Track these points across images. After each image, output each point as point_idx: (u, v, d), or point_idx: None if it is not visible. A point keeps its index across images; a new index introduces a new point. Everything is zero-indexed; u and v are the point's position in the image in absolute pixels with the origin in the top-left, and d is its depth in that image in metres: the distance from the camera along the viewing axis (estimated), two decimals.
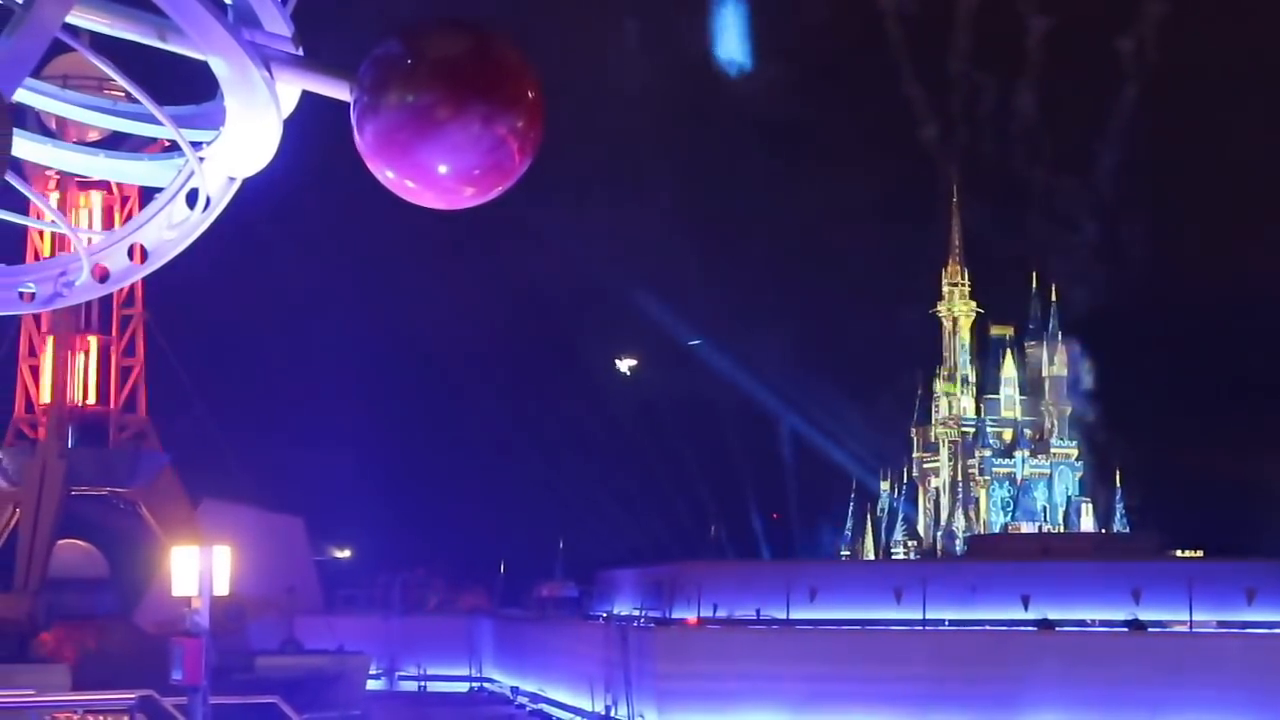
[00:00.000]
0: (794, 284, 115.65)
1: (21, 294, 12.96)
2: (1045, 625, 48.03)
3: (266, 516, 70.90)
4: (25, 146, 12.22)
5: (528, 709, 62.54)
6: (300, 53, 11.59)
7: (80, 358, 71.78)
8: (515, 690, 66.15)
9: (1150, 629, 46.69)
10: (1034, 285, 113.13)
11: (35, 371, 70.77)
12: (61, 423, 70.78)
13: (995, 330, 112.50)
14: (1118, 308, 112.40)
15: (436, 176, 11.15)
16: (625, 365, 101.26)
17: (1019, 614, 49.02)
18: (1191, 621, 47.33)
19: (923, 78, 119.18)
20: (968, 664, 43.87)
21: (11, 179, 11.40)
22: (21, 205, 12.74)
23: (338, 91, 11.36)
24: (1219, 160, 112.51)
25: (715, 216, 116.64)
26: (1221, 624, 47.27)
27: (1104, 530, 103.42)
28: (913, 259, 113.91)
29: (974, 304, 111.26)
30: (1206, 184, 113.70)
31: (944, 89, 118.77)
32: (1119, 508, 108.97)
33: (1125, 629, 46.80)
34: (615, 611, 61.33)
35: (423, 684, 70.13)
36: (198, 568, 24.83)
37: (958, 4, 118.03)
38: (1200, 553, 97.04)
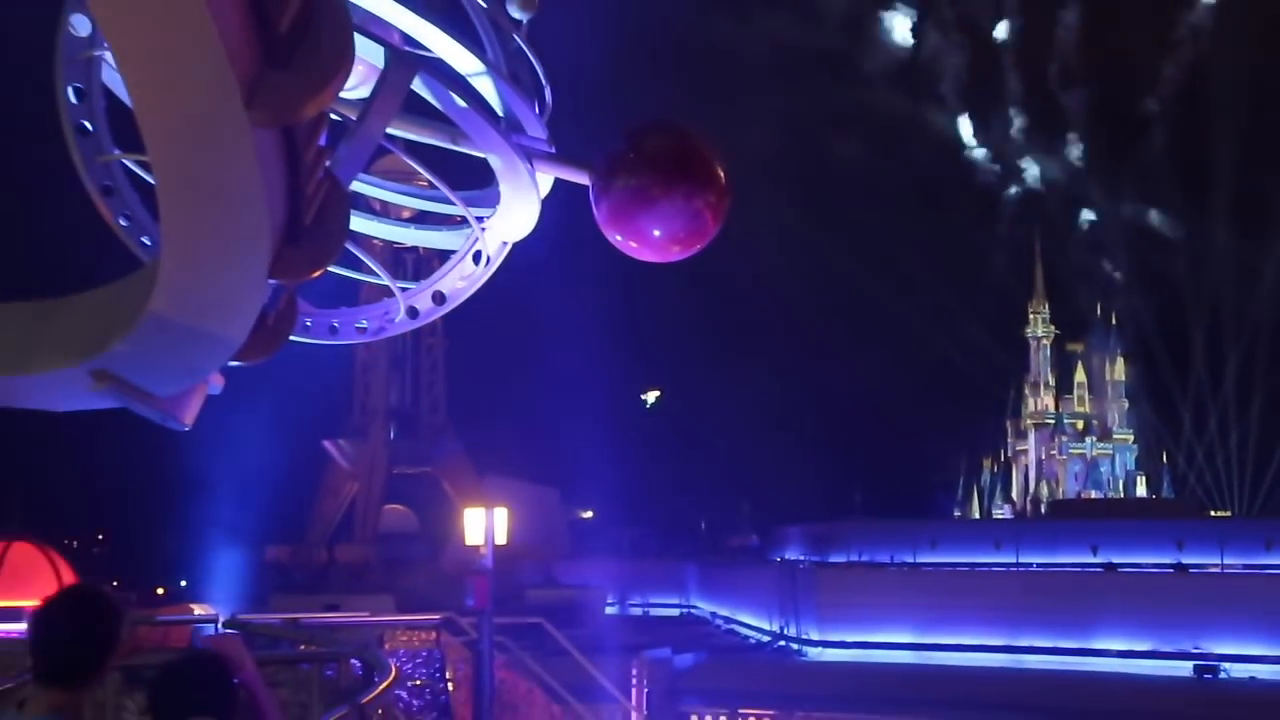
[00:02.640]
0: (920, 316, 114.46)
1: (358, 328, 13.24)
2: (1109, 568, 46.97)
3: (532, 488, 71.50)
4: (358, 223, 12.47)
5: (723, 629, 62.38)
6: (553, 150, 11.70)
7: (398, 373, 73.15)
8: (714, 615, 66.10)
9: (1190, 571, 45.41)
10: (1098, 311, 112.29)
11: (367, 384, 72.17)
12: (386, 420, 72.15)
13: (1069, 347, 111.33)
14: (1164, 328, 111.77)
15: (652, 239, 11.20)
16: (651, 396, 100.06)
17: (1089, 559, 47.93)
18: (1223, 565, 46.01)
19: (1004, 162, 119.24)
20: (1050, 597, 42.98)
21: (350, 246, 11.63)
22: (356, 263, 13.02)
23: (579, 178, 11.45)
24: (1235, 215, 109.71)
25: (843, 266, 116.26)
26: (1246, 567, 45.82)
27: (1154, 496, 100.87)
28: (1006, 294, 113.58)
29: (1053, 327, 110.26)
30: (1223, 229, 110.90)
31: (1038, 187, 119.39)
32: (1166, 479, 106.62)
33: (1171, 571, 45.63)
34: (786, 557, 61.10)
35: (646, 610, 70.25)
36: (484, 524, 25.08)
37: (1006, 78, 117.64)
38: (1229, 512, 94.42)
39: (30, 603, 28.07)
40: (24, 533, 32.30)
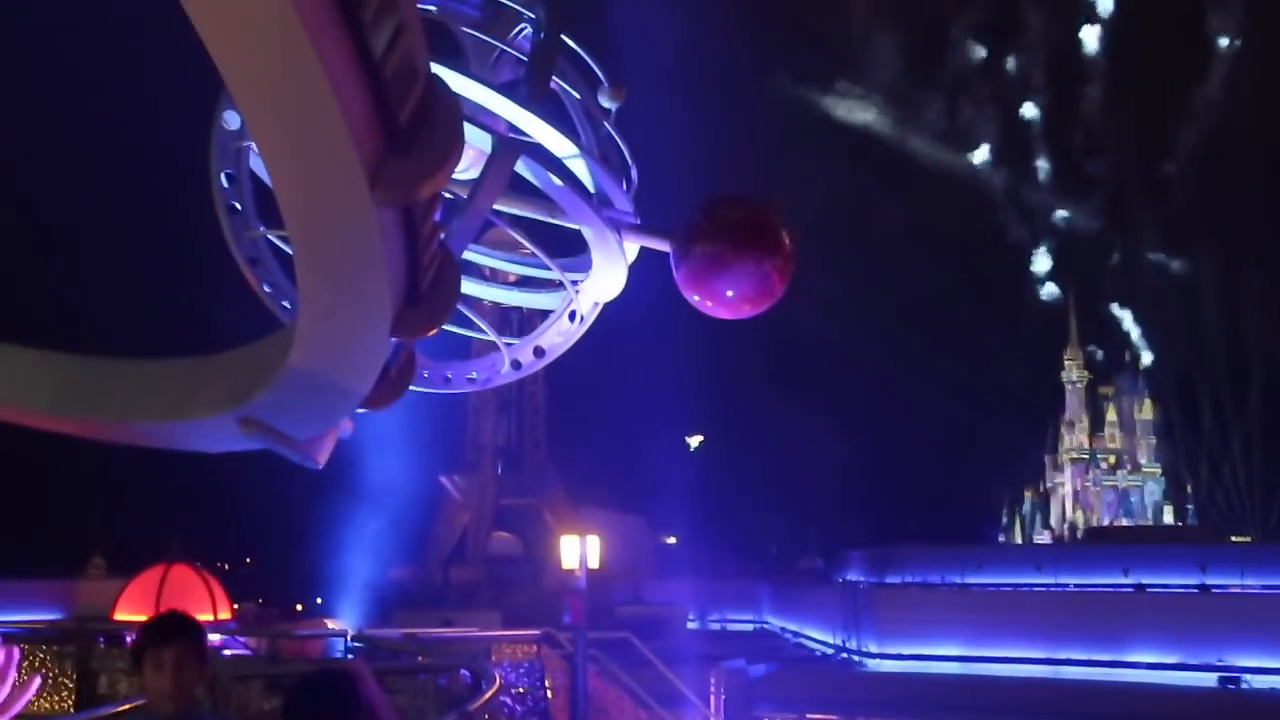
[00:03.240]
0: (966, 363, 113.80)
1: (469, 378, 13.32)
2: (1140, 588, 45.92)
3: (622, 517, 71.13)
4: (470, 286, 12.55)
5: (792, 642, 61.68)
6: (638, 221, 11.73)
7: (505, 417, 73.38)
8: (784, 629, 65.40)
9: (1214, 591, 44.31)
10: (1128, 358, 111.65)
11: (478, 426, 72.47)
12: (494, 458, 72.43)
13: (1101, 390, 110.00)
14: (1187, 372, 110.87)
15: (726, 299, 11.18)
16: (694, 441, 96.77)
17: (1121, 580, 46.88)
18: (1243, 585, 44.83)
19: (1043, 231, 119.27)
20: (1085, 615, 42.05)
21: (462, 307, 11.71)
22: (468, 323, 13.10)
23: (661, 246, 11.46)
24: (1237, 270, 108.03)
25: (894, 321, 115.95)
26: (1264, 587, 44.60)
27: (1181, 523, 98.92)
28: (1043, 343, 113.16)
29: (1087, 372, 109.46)
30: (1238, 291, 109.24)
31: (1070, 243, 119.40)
32: (1191, 508, 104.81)
33: (1196, 591, 44.56)
34: (848, 578, 60.41)
35: (723, 625, 69.47)
36: (578, 550, 25.07)
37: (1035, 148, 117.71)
38: (1249, 538, 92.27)
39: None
40: (182, 558, 32.81)
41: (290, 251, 9.35)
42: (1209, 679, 37.59)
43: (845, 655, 48.75)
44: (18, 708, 2.21)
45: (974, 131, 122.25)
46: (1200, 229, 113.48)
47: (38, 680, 2.51)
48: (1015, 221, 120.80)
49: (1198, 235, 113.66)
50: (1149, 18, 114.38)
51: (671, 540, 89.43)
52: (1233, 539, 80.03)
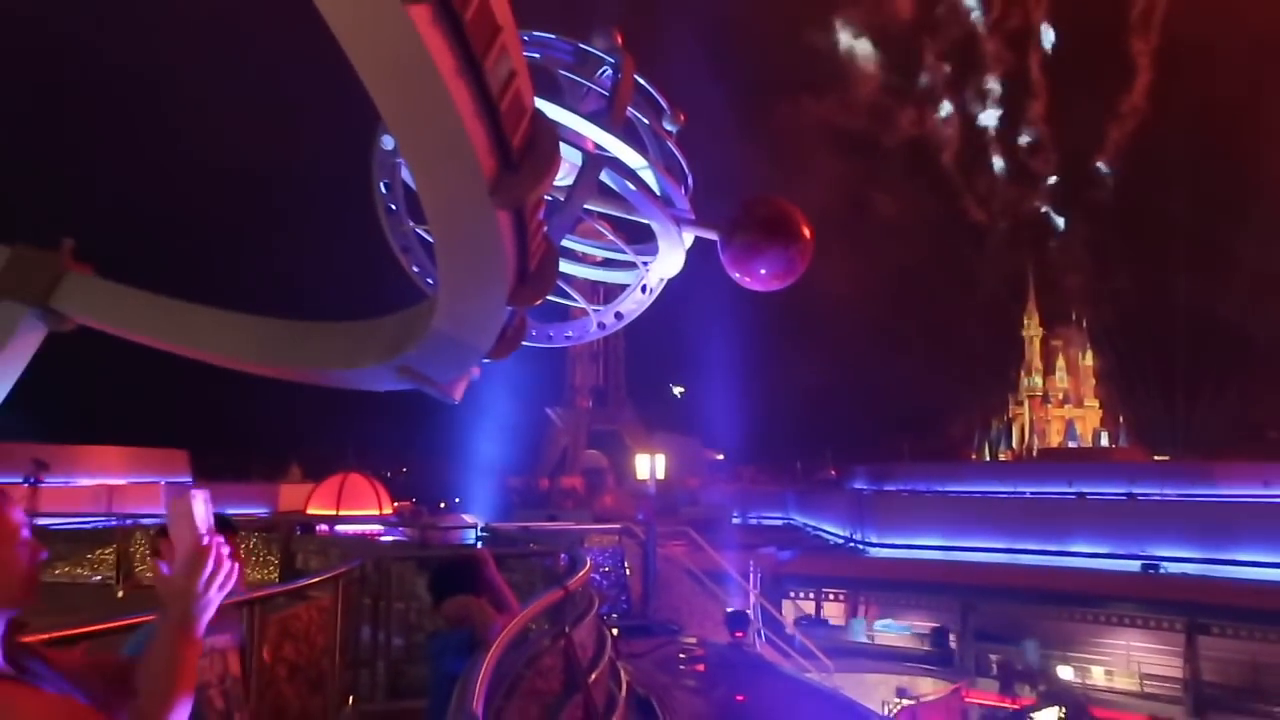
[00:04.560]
0: (948, 320, 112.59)
1: (566, 336, 13.42)
2: (1080, 496, 45.23)
3: (682, 439, 71.33)
4: (566, 266, 12.63)
5: (811, 534, 61.53)
6: (693, 217, 11.73)
7: (594, 363, 73.63)
8: (806, 525, 65.19)
9: (1139, 499, 43.50)
10: (1074, 316, 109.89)
11: (574, 370, 72.70)
12: (586, 393, 72.80)
13: (1054, 341, 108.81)
14: (1121, 326, 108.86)
15: (760, 276, 11.17)
16: (677, 390, 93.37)
17: (1066, 490, 46.17)
18: (1163, 494, 43.96)
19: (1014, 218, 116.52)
20: (1037, 517, 41.45)
21: (560, 282, 11.77)
22: (566, 294, 13.17)
23: (711, 235, 11.46)
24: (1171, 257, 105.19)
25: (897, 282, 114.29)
26: (1180, 495, 43.67)
27: (1114, 445, 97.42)
28: (1008, 304, 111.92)
29: (1041, 328, 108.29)
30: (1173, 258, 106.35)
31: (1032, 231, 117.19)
32: (1122, 433, 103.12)
33: (1125, 498, 43.80)
34: (855, 486, 60.07)
35: (759, 522, 69.22)
36: (650, 465, 25.19)
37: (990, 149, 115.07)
38: (1168, 456, 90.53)
39: (362, 512, 28.87)
40: (356, 467, 33.49)
41: (432, 241, 9.49)
42: (1133, 565, 36.98)
43: (852, 544, 48.53)
44: (229, 586, 2.35)
45: (944, 135, 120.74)
46: (1129, 210, 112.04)
47: (238, 567, 2.65)
48: (976, 205, 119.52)
49: (1127, 214, 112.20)
50: (1083, 41, 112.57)
51: (720, 456, 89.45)
52: (1154, 458, 78.36)
